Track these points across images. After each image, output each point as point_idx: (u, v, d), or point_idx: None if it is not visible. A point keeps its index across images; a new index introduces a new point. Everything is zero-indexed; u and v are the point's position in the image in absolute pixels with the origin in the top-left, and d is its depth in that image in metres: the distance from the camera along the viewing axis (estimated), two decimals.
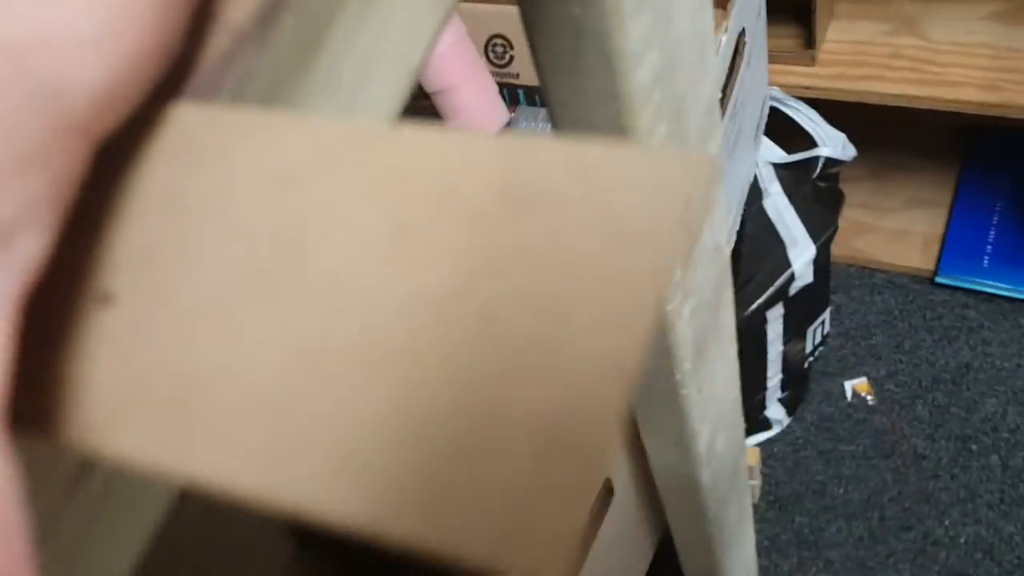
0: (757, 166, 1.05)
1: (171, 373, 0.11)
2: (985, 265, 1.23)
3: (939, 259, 1.25)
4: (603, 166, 0.10)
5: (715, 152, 0.46)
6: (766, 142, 1.09)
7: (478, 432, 0.09)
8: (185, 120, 0.12)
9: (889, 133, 1.32)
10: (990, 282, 1.21)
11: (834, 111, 1.10)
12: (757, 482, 1.08)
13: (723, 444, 0.63)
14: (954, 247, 1.25)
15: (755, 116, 1.01)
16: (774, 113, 1.09)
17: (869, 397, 1.18)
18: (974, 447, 1.11)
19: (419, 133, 0.11)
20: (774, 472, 1.13)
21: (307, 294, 0.11)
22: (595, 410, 0.09)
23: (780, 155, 1.09)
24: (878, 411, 1.17)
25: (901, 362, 1.20)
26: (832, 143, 1.08)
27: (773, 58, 1.09)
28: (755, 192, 1.04)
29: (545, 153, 0.10)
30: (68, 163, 0.11)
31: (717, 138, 0.46)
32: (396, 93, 0.17)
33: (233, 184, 0.11)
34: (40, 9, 0.11)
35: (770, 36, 1.03)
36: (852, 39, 1.12)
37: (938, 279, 1.24)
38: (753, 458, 1.04)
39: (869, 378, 1.20)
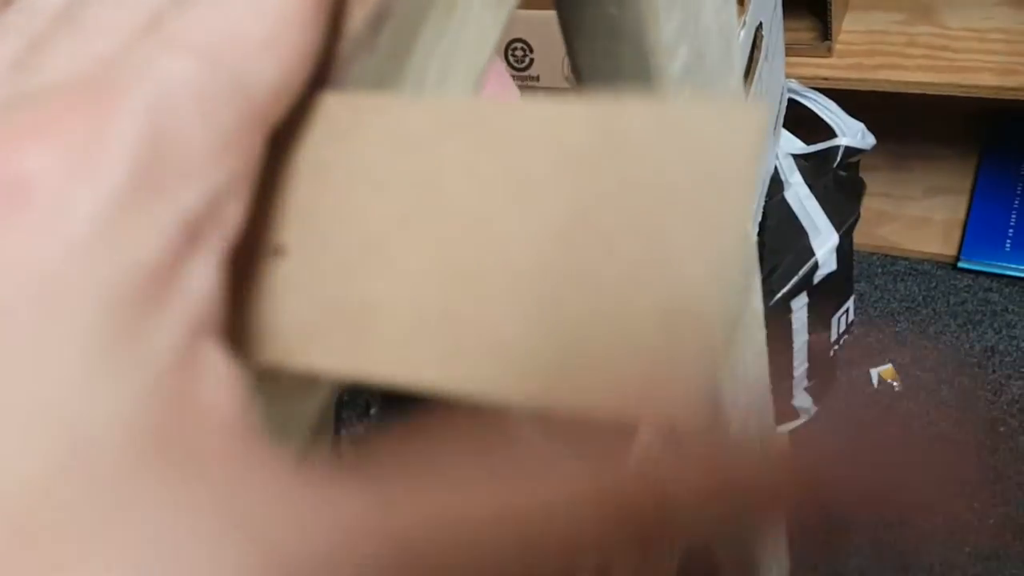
0: (777, 158, 1.06)
1: (346, 303, 0.13)
2: (1007, 248, 1.23)
3: (961, 244, 1.26)
4: (683, 115, 0.12)
5: None
6: (785, 134, 1.10)
7: (613, 321, 0.12)
8: (329, 105, 0.15)
9: (907, 121, 1.32)
10: (1013, 265, 1.22)
11: (852, 101, 1.11)
12: None
13: (754, 431, 0.64)
14: (975, 232, 1.26)
15: (774, 108, 1.03)
16: (792, 105, 1.10)
17: (895, 383, 1.19)
18: (1002, 429, 1.12)
19: (522, 101, 0.13)
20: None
21: (448, 231, 0.13)
22: (707, 299, 0.11)
23: (800, 146, 1.11)
24: (904, 397, 1.18)
25: (926, 348, 1.21)
26: (851, 133, 1.09)
27: (790, 50, 1.10)
28: (776, 184, 1.05)
29: (634, 108, 0.12)
30: (255, 145, 0.14)
31: None
32: (468, 90, 0.19)
33: (373, 151, 0.14)
34: (228, 19, 0.14)
35: (786, 29, 1.04)
36: (867, 29, 1.13)
37: (960, 264, 1.25)
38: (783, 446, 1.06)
39: (895, 364, 1.21)
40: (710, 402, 0.11)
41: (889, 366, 1.21)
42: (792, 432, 1.16)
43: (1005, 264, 1.23)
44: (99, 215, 0.12)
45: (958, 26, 1.10)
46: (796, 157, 1.08)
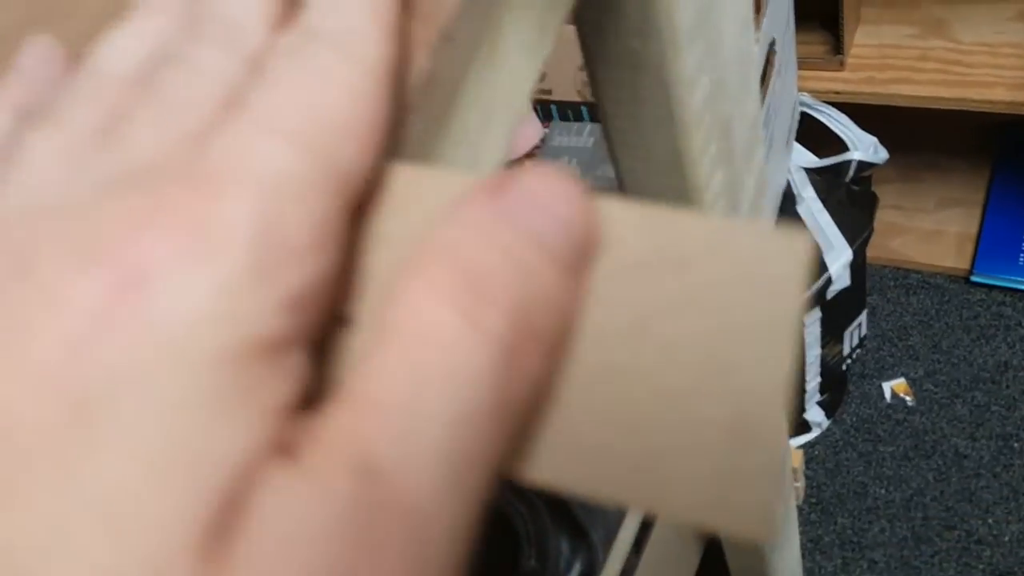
0: (790, 172, 1.07)
1: None
2: (1020, 263, 1.23)
3: (974, 258, 1.26)
4: (733, 235, 0.13)
5: (759, 164, 0.48)
6: (797, 147, 1.10)
7: (680, 427, 0.12)
8: (395, 177, 0.15)
9: (919, 134, 1.32)
10: None
11: (864, 114, 1.11)
12: (800, 484, 1.09)
13: None
14: (988, 246, 1.26)
15: (786, 123, 1.03)
16: (804, 118, 1.11)
17: (908, 398, 1.19)
18: (1016, 445, 1.12)
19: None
20: (815, 474, 1.14)
21: None
22: (766, 417, 0.12)
23: (812, 160, 1.11)
24: (917, 411, 1.18)
25: (939, 362, 1.21)
26: (863, 146, 1.09)
27: (802, 64, 1.11)
28: (789, 198, 1.05)
29: (687, 222, 0.13)
30: (344, 225, 0.14)
31: (761, 152, 0.48)
32: (508, 135, 0.20)
33: (427, 222, 0.14)
34: (313, 98, 0.14)
35: (798, 43, 1.05)
36: (879, 43, 1.13)
37: (973, 278, 1.25)
38: (796, 460, 1.06)
39: (907, 379, 1.20)
40: (777, 518, 0.11)
41: (902, 380, 1.21)
42: (804, 446, 1.16)
43: (1018, 279, 1.22)
44: (212, 297, 0.12)
45: (971, 40, 1.10)
46: (809, 171, 1.08)
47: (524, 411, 0.13)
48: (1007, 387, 1.16)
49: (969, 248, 1.28)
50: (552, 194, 0.14)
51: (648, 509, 0.12)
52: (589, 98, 0.98)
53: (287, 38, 0.16)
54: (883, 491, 1.12)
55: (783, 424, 0.12)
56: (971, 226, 1.29)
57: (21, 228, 0.14)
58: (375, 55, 0.15)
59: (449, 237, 0.14)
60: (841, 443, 1.17)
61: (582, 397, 0.13)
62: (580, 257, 0.14)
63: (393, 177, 0.15)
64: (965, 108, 1.07)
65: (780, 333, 0.12)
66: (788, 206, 1.04)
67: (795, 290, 0.12)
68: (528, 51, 0.21)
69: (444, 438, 0.12)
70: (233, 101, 0.15)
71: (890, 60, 1.12)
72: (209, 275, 0.12)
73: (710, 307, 0.13)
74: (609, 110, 0.36)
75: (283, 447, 0.13)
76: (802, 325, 0.12)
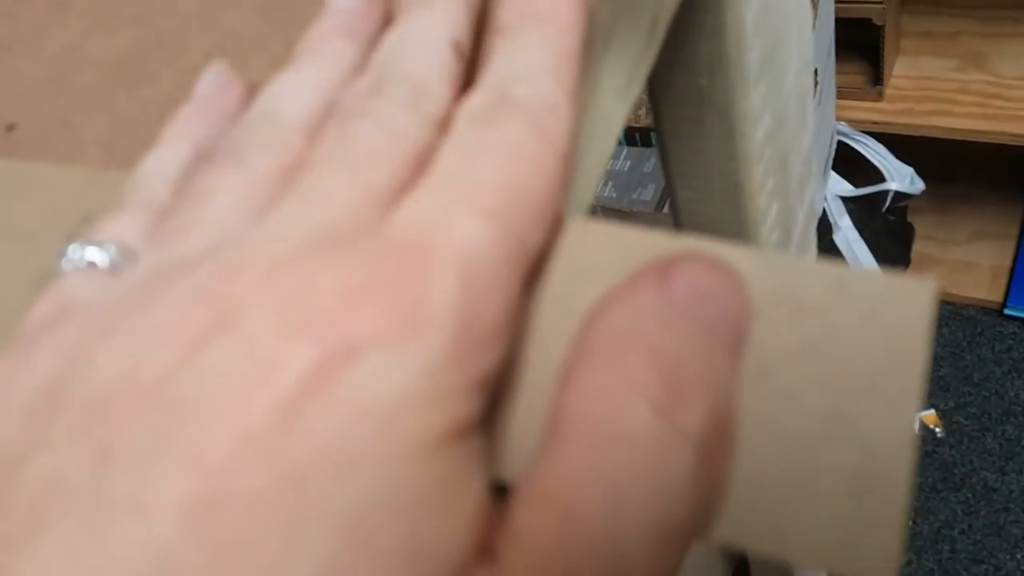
0: (826, 200, 1.07)
1: (512, 410, 0.14)
2: None
3: (1007, 291, 1.25)
4: (855, 282, 0.13)
5: (810, 196, 0.48)
6: (834, 176, 1.10)
7: (802, 472, 0.12)
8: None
9: (954, 166, 1.32)
10: None
11: (900, 145, 1.12)
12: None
13: None
14: (1022, 278, 1.25)
15: (824, 151, 1.03)
16: (842, 147, 1.11)
17: (938, 429, 1.18)
18: None
19: (700, 242, 0.14)
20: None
21: None
22: (891, 463, 0.12)
23: (848, 189, 1.11)
24: (947, 444, 1.17)
25: (970, 394, 1.20)
26: (900, 177, 1.10)
27: (841, 94, 1.11)
28: (824, 226, 1.05)
29: (806, 269, 0.13)
30: (522, 297, 0.14)
31: (812, 185, 0.48)
32: (596, 177, 0.21)
33: (559, 273, 0.15)
34: (516, 177, 0.14)
35: (838, 72, 1.05)
36: (919, 75, 1.14)
37: (1007, 311, 1.24)
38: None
39: (937, 410, 1.20)
40: (899, 561, 0.12)
41: (932, 412, 1.20)
42: None
43: None
44: (418, 378, 0.12)
45: (1010, 74, 1.10)
46: (845, 200, 1.09)
47: (713, 513, 0.13)
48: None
49: (1003, 281, 1.27)
50: (717, 283, 0.14)
51: (771, 553, 0.12)
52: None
53: (479, 101, 0.16)
54: (911, 523, 1.11)
55: (909, 470, 0.12)
56: (1005, 259, 1.29)
57: (218, 277, 0.13)
58: (564, 132, 0.15)
59: (628, 324, 0.13)
60: None
61: None
62: (742, 344, 0.13)
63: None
64: (1003, 142, 1.07)
65: (907, 380, 0.12)
66: (824, 235, 1.04)
67: (922, 337, 0.12)
68: (620, 96, 0.22)
69: (644, 550, 0.12)
70: (423, 164, 0.15)
71: (929, 92, 1.12)
72: (416, 356, 0.12)
73: (833, 354, 0.13)
74: (671, 143, 0.37)
75: (482, 544, 0.13)
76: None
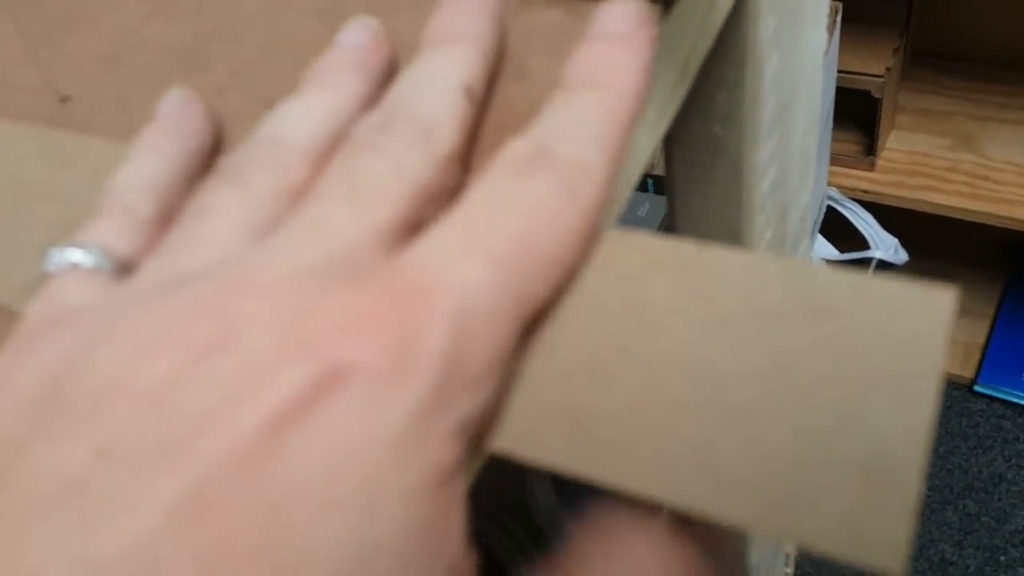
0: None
1: (569, 409, 0.15)
2: None
3: (979, 368, 1.28)
4: (874, 289, 0.14)
5: (804, 252, 0.50)
6: (820, 239, 1.13)
7: (816, 465, 0.13)
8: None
9: (938, 241, 1.35)
10: None
11: (887, 216, 1.14)
12: (790, 570, 1.10)
13: None
14: (995, 358, 1.28)
15: (814, 213, 1.06)
16: (830, 212, 1.13)
17: None
18: (1002, 558, 1.12)
19: (720, 249, 0.15)
20: (803, 561, 1.15)
21: (661, 359, 0.14)
22: (903, 460, 0.13)
23: (833, 253, 1.13)
24: None
25: (934, 466, 1.22)
26: (884, 246, 1.12)
27: (834, 160, 1.14)
28: None
29: (825, 276, 0.14)
30: (518, 346, 0.14)
31: (806, 241, 0.50)
32: (627, 194, 0.22)
33: (589, 277, 0.15)
34: (528, 232, 0.15)
35: (833, 139, 1.08)
36: (911, 150, 1.17)
37: (976, 388, 1.27)
38: (790, 544, 1.06)
39: None
40: (907, 553, 0.12)
41: None
42: None
43: (1021, 394, 1.24)
44: (403, 418, 0.13)
45: (999, 158, 1.13)
46: (829, 263, 1.11)
47: None
48: (999, 499, 1.17)
49: (975, 357, 1.30)
50: None
51: (785, 539, 0.13)
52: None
53: (520, 148, 0.16)
54: None
55: (921, 466, 0.12)
56: (979, 336, 1.31)
57: (222, 292, 0.14)
58: (595, 197, 0.15)
59: None
60: None
61: (724, 433, 0.14)
62: None
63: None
64: (987, 222, 1.10)
65: (924, 381, 0.13)
66: None
67: (940, 340, 0.13)
68: (649, 130, 0.23)
69: None
70: (431, 203, 0.15)
71: (920, 167, 1.15)
72: (400, 397, 0.13)
73: (851, 354, 0.13)
74: (679, 187, 0.38)
75: None
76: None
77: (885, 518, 0.13)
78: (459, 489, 0.13)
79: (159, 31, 0.24)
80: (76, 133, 0.22)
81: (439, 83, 0.17)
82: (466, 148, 0.17)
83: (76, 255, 0.17)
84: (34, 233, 0.19)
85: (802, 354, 0.14)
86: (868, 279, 0.14)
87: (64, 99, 0.24)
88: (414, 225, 0.15)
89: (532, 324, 0.15)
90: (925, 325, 0.13)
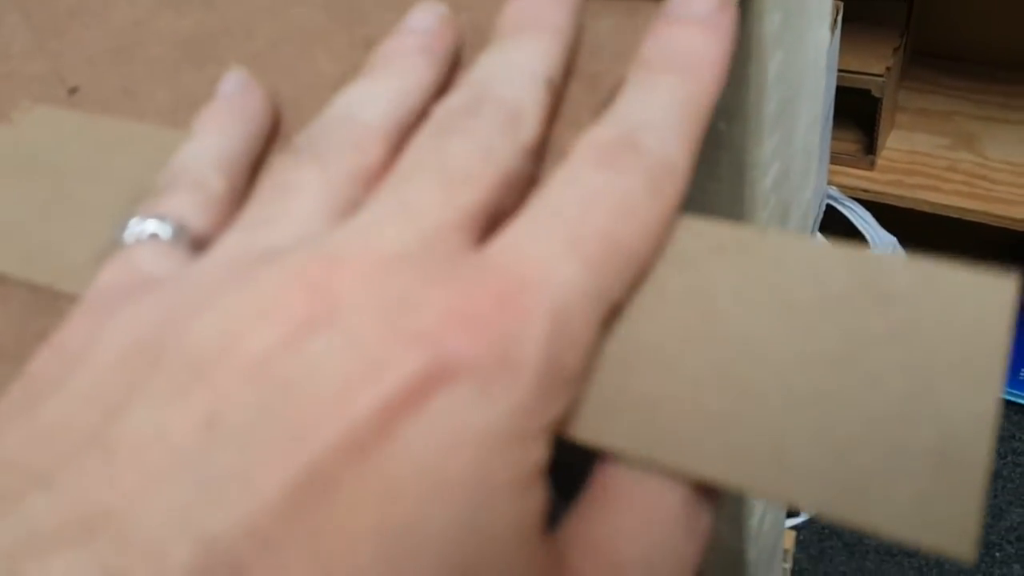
0: None
1: (632, 395, 0.14)
2: (1021, 377, 1.25)
3: None
4: (939, 276, 0.14)
5: None
6: (819, 238, 1.13)
7: (884, 452, 0.13)
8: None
9: (936, 240, 1.35)
10: None
11: (886, 214, 1.15)
12: (788, 565, 1.10)
13: (769, 523, 0.66)
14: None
15: (814, 211, 1.06)
16: (830, 210, 1.14)
17: None
18: (998, 555, 1.13)
19: (781, 234, 0.15)
20: (799, 559, 1.15)
21: (727, 346, 0.14)
22: (970, 444, 0.13)
23: None
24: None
25: None
26: (883, 245, 1.12)
27: (834, 159, 1.14)
28: None
29: (888, 262, 0.14)
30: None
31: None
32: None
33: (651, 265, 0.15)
34: (616, 227, 0.14)
35: (833, 139, 1.08)
36: (911, 149, 1.17)
37: None
38: (789, 541, 1.06)
39: None
40: (977, 537, 0.12)
41: None
42: (795, 527, 1.17)
43: (1018, 392, 1.24)
44: (506, 416, 0.13)
45: (998, 158, 1.13)
46: None
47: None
48: (995, 496, 1.18)
49: None
50: None
51: (856, 525, 0.13)
52: None
53: (605, 135, 0.15)
54: None
55: (989, 450, 0.12)
56: None
57: (316, 266, 0.14)
58: (677, 194, 0.15)
59: None
60: (827, 531, 1.18)
61: (792, 420, 0.14)
62: None
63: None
64: (986, 222, 1.10)
65: (989, 365, 0.13)
66: None
67: (1004, 325, 0.13)
68: None
69: None
70: (516, 189, 0.15)
71: (919, 167, 1.15)
72: (504, 395, 0.13)
73: (917, 340, 0.13)
74: None
75: None
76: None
77: (955, 502, 0.12)
78: (546, 487, 0.13)
79: (169, 23, 0.25)
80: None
81: (524, 70, 0.17)
82: (544, 140, 0.17)
83: (154, 225, 0.16)
84: (86, 217, 0.19)
85: (868, 340, 0.14)
86: (930, 265, 0.14)
87: (73, 90, 0.24)
88: (497, 212, 0.15)
89: (609, 320, 0.15)
90: (988, 310, 0.13)
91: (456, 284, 0.13)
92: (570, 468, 0.15)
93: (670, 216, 0.15)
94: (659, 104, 0.16)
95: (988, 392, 0.13)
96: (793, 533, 1.10)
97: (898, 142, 1.18)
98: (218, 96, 0.20)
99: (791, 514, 1.18)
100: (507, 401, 0.13)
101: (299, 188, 0.16)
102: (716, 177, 0.37)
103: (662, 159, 0.15)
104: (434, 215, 0.14)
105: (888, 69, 1.08)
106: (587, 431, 0.15)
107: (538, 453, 0.13)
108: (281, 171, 0.17)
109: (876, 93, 1.08)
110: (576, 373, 0.14)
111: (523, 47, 0.17)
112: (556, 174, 0.15)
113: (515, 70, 0.17)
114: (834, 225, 1.13)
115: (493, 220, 0.15)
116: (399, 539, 0.12)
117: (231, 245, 0.15)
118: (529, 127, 0.16)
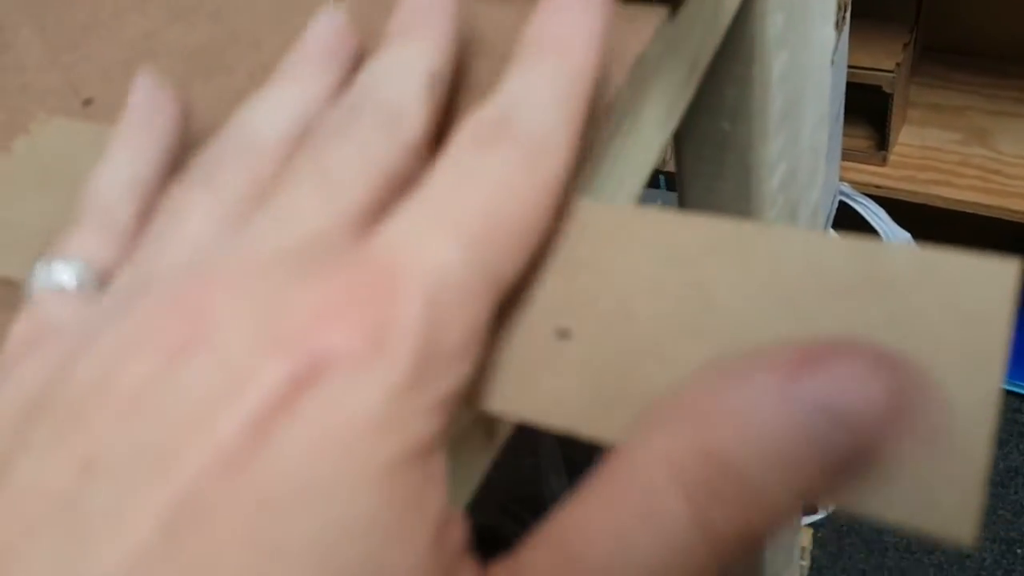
0: None
1: (628, 389, 0.15)
2: None
3: None
4: (940, 263, 0.14)
5: None
6: (833, 234, 1.13)
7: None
8: (589, 211, 0.16)
9: (949, 235, 1.35)
10: None
11: (899, 210, 1.14)
12: (806, 563, 1.10)
13: None
14: (1010, 351, 1.27)
15: (826, 209, 1.06)
16: (842, 207, 1.13)
17: None
18: (1019, 551, 1.12)
19: (779, 227, 0.15)
20: (818, 556, 1.15)
21: (726, 338, 0.14)
22: (972, 429, 0.13)
23: None
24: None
25: None
26: (897, 241, 1.12)
27: (846, 155, 1.14)
28: None
29: (887, 249, 0.14)
30: (490, 322, 0.14)
31: None
32: (638, 188, 0.22)
33: (642, 257, 0.16)
34: (493, 205, 0.15)
35: (845, 135, 1.08)
36: (923, 144, 1.16)
37: None
38: (805, 538, 1.06)
39: None
40: (977, 522, 0.12)
41: None
42: (811, 525, 1.17)
43: None
44: (380, 399, 0.13)
45: (1012, 152, 1.13)
46: None
47: None
48: (1015, 493, 1.17)
49: None
50: (858, 393, 0.12)
51: (854, 509, 0.13)
52: None
53: (485, 115, 0.16)
54: None
55: (991, 434, 0.12)
56: None
57: (190, 287, 0.14)
58: (558, 168, 0.15)
59: (707, 402, 0.13)
60: (846, 529, 1.17)
61: None
62: (858, 465, 0.12)
63: (588, 211, 0.16)
64: (1000, 216, 1.09)
65: (990, 350, 0.13)
66: None
67: (1006, 310, 0.13)
68: (659, 126, 0.24)
69: None
70: (398, 189, 0.15)
71: (932, 162, 1.15)
72: (378, 378, 0.13)
73: (919, 327, 0.13)
74: (688, 182, 0.39)
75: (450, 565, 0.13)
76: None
77: (956, 489, 0.12)
78: (438, 463, 0.13)
79: (179, 36, 0.25)
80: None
81: (406, 69, 0.17)
82: (433, 134, 0.17)
83: (59, 274, 0.16)
84: None
85: (869, 328, 0.14)
86: (930, 251, 0.14)
87: (87, 102, 0.24)
88: (382, 211, 0.15)
89: (502, 295, 0.15)
90: (989, 295, 0.13)
91: (332, 280, 0.13)
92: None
93: (552, 189, 0.15)
94: (536, 83, 0.16)
95: (990, 377, 0.13)
96: (810, 531, 1.10)
97: (910, 138, 1.17)
98: (129, 109, 0.19)
99: (808, 511, 1.17)
100: (381, 385, 0.13)
101: (189, 212, 0.16)
102: (722, 177, 0.37)
103: (538, 135, 0.15)
104: (313, 220, 0.15)
105: (898, 65, 1.07)
106: (587, 426, 0.15)
107: (424, 431, 0.13)
108: (173, 197, 0.17)
109: (887, 89, 1.08)
110: (461, 348, 0.14)
111: (405, 45, 0.18)
112: (438, 161, 0.15)
113: (396, 69, 0.17)
114: (847, 221, 1.12)
115: (379, 219, 0.15)
116: (270, 550, 0.12)
117: (124, 279, 0.16)
118: (413, 124, 0.16)
